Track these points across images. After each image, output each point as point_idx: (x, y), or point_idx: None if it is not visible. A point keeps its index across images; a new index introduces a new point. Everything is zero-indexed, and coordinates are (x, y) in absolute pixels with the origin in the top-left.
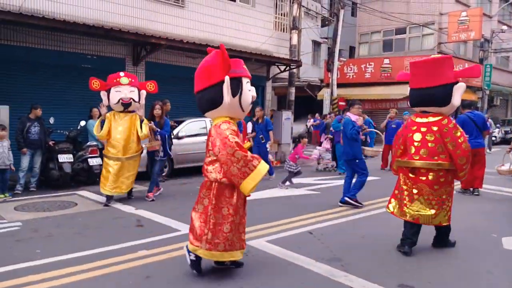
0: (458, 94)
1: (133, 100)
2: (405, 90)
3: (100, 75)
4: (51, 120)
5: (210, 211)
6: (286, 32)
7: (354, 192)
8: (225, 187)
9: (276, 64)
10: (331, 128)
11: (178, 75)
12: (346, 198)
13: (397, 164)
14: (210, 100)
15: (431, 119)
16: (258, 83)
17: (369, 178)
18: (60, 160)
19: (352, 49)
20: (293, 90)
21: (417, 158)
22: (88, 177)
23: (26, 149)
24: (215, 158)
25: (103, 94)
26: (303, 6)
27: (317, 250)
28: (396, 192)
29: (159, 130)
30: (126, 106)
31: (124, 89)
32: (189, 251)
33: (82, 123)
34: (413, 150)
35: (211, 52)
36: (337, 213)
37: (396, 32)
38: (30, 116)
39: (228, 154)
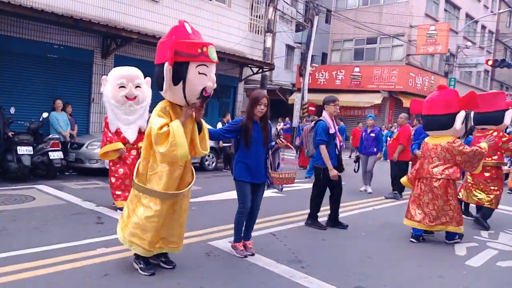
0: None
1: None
2: (372, 99)
3: (66, 66)
4: (12, 110)
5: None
6: (261, 34)
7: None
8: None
9: (249, 65)
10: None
11: (148, 70)
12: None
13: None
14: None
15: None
16: (230, 83)
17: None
18: (19, 152)
19: (324, 56)
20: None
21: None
22: (48, 171)
23: None
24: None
25: (168, 70)
26: (279, 10)
27: (279, 251)
28: (464, 184)
29: None
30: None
31: (211, 70)
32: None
33: (45, 114)
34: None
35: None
36: (300, 216)
37: (368, 42)
38: None
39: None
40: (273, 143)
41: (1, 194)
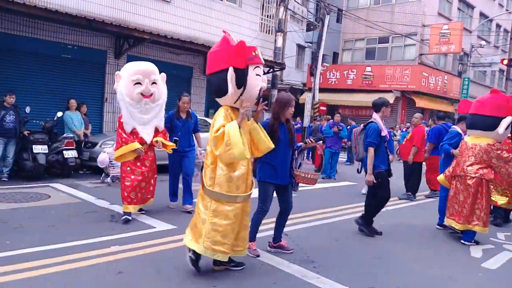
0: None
1: None
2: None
3: (80, 67)
4: (27, 109)
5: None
6: (271, 34)
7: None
8: None
9: None
10: (320, 134)
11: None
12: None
13: None
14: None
15: None
16: None
17: (345, 184)
18: (34, 151)
19: (335, 55)
20: (275, 92)
21: None
22: (63, 170)
23: None
24: None
25: (232, 77)
26: (289, 10)
27: (286, 253)
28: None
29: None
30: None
31: (262, 72)
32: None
33: (59, 114)
34: None
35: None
36: (312, 216)
37: (379, 41)
38: (5, 104)
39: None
40: (300, 143)
41: (17, 192)
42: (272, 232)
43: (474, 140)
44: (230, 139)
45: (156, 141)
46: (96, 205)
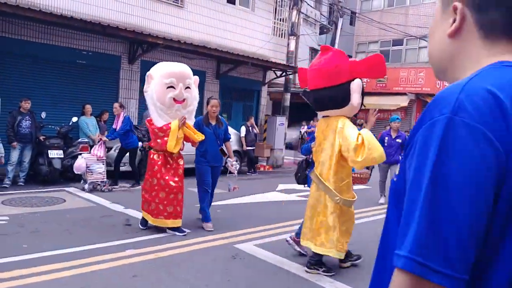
0: None
1: None
2: (399, 101)
3: (94, 72)
4: (43, 115)
5: None
6: (284, 37)
7: None
8: None
9: (273, 69)
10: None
11: None
12: None
13: None
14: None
15: None
16: (253, 87)
17: (361, 187)
18: (50, 156)
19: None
20: (288, 96)
21: None
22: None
23: (16, 143)
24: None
25: (359, 88)
26: (302, 13)
27: (304, 256)
28: None
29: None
30: None
31: None
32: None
33: (74, 119)
34: None
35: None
36: None
37: (393, 43)
38: (21, 110)
39: None
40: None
41: (33, 196)
42: (290, 235)
43: None
44: (370, 143)
45: (181, 138)
46: (111, 209)
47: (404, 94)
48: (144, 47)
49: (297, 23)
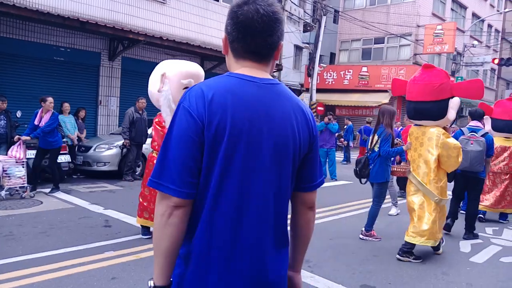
0: None
1: None
2: (380, 98)
3: (73, 69)
4: (18, 114)
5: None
6: None
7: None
8: None
9: None
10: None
11: None
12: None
13: None
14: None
15: None
16: None
17: (341, 183)
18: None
19: (332, 56)
20: None
21: None
22: None
23: None
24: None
25: (457, 105)
26: (286, 11)
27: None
28: None
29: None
30: None
31: None
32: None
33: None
34: None
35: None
36: None
37: (375, 42)
38: None
39: None
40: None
41: (8, 198)
42: None
43: (505, 142)
44: (459, 150)
45: None
46: (90, 211)
47: (386, 91)
48: (125, 43)
49: None
